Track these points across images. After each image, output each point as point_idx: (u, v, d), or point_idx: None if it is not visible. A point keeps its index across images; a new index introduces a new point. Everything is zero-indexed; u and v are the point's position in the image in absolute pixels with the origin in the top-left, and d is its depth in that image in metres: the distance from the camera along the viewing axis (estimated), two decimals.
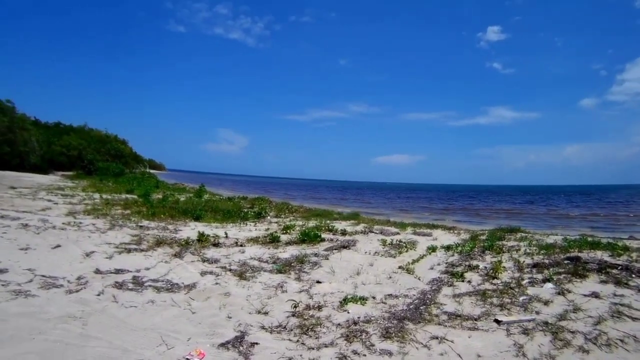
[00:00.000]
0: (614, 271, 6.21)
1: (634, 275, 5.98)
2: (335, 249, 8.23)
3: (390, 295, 5.69)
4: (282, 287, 5.77)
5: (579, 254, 7.27)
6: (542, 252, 7.84)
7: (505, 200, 51.98)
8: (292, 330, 4.29)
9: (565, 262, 6.89)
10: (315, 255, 7.68)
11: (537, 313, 4.75)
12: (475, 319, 4.69)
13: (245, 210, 15.05)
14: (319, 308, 4.98)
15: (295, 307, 4.94)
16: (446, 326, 4.51)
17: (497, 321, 4.51)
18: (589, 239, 8.94)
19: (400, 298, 5.58)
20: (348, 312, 4.87)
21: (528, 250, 8.09)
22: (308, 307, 4.98)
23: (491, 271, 6.55)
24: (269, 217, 14.15)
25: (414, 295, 5.69)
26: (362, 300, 5.32)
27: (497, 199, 57.75)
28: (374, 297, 5.56)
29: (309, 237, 9.10)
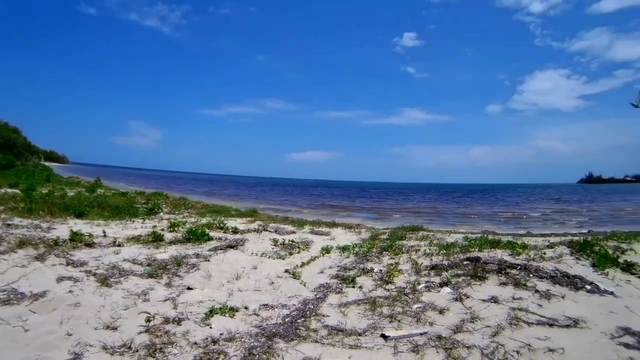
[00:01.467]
0: (514, 271, 6.57)
1: (531, 275, 6.39)
2: (220, 249, 8.28)
3: (266, 305, 5.44)
4: (145, 294, 5.52)
5: (479, 254, 7.63)
6: (442, 252, 8.17)
7: (415, 198, 56.77)
8: (137, 350, 3.96)
9: (465, 263, 7.15)
10: (197, 256, 7.61)
11: (431, 324, 4.71)
12: (360, 334, 4.49)
13: (138, 206, 15.25)
14: (179, 322, 4.71)
15: (148, 320, 4.55)
16: (324, 344, 4.24)
17: (384, 336, 4.35)
18: (490, 237, 9.52)
19: (276, 309, 5.31)
20: (211, 327, 4.62)
21: (428, 251, 8.36)
22: (166, 321, 4.69)
23: (386, 275, 6.51)
24: (161, 214, 14.25)
25: (294, 305, 5.47)
26: (232, 311, 5.11)
27: (407, 196, 63.04)
28: (246, 308, 5.27)
29: (195, 236, 9.13)
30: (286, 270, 7.08)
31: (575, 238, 9.71)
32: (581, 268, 6.85)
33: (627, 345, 4.11)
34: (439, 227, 16.36)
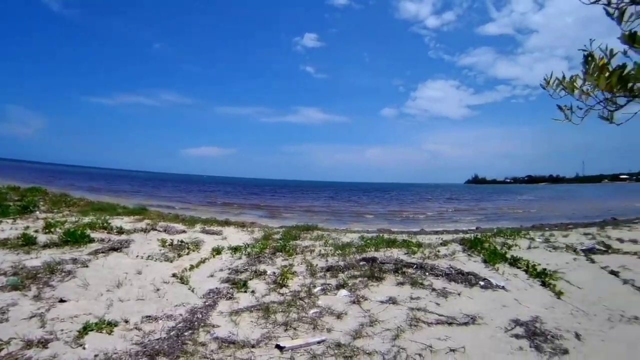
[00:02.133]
0: (410, 270, 6.80)
1: (427, 274, 6.66)
2: (102, 253, 7.75)
3: (149, 317, 5.02)
4: (4, 313, 4.80)
5: (376, 254, 7.82)
6: (337, 252, 8.24)
7: (312, 196, 57.95)
8: None
9: (362, 263, 7.24)
10: (74, 261, 6.96)
11: (329, 331, 4.62)
12: (253, 346, 4.26)
13: (9, 204, 13.60)
14: (45, 344, 4.12)
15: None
16: (214, 359, 3.93)
17: (280, 347, 4.15)
18: (385, 236, 9.81)
19: (161, 320, 4.92)
20: (84, 348, 4.14)
21: (323, 251, 8.38)
22: (28, 345, 4.07)
23: (280, 278, 6.34)
24: (37, 213, 12.79)
25: (181, 315, 5.11)
26: (110, 326, 4.65)
27: (304, 194, 64.25)
28: (126, 321, 4.82)
29: (73, 238, 8.42)
30: (174, 275, 6.70)
31: (467, 235, 10.46)
32: (474, 264, 7.31)
33: (517, 336, 4.50)
34: (334, 226, 16.70)
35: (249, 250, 8.52)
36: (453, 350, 4.08)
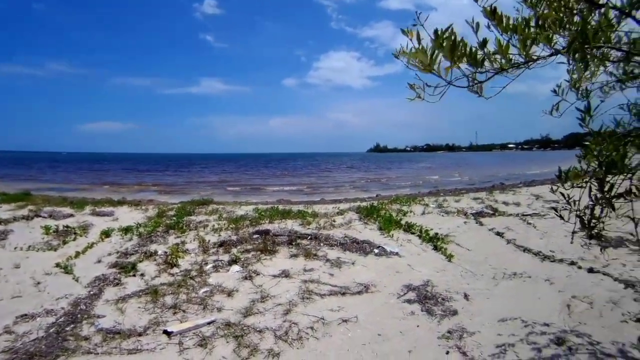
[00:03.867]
0: (304, 242, 6.94)
1: (322, 244, 6.83)
2: None
3: (25, 315, 4.61)
4: None
5: (269, 227, 7.86)
6: (231, 226, 8.09)
7: (214, 169, 56.81)
8: None
9: (255, 237, 7.24)
10: None
11: (219, 310, 4.59)
12: (140, 334, 4.11)
13: None
14: None
15: None
16: (98, 354, 3.75)
17: (167, 332, 4.02)
18: (281, 207, 9.82)
19: (39, 318, 4.56)
20: None
21: (217, 226, 8.24)
22: None
23: (170, 257, 6.13)
24: None
25: (63, 308, 4.80)
26: None
27: (206, 167, 63.01)
28: None
29: None
30: (57, 264, 6.26)
31: (364, 203, 10.76)
32: (369, 232, 7.58)
33: (409, 301, 4.80)
34: (234, 199, 16.48)
35: (140, 230, 8.20)
36: (345, 321, 4.25)
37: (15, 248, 7.04)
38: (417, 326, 4.21)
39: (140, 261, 6.28)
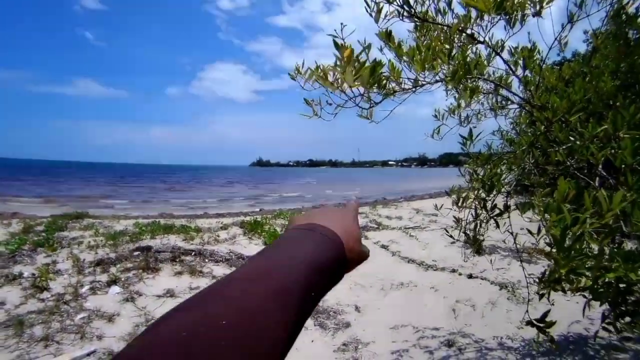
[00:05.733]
0: (189, 258, 6.66)
1: (207, 260, 6.58)
2: None
3: None
4: None
5: (151, 242, 7.45)
6: (109, 243, 7.53)
7: (87, 179, 53.22)
8: None
9: (136, 254, 6.82)
10: None
11: (100, 338, 4.24)
12: None
13: None
14: None
15: None
16: None
17: None
18: (163, 222, 9.40)
19: None
20: None
21: (93, 242, 7.63)
22: None
23: (39, 280, 5.55)
24: None
25: None
26: None
27: (79, 177, 58.86)
28: None
29: None
30: None
31: (248, 218, 10.66)
32: (255, 248, 7.57)
33: None
34: (110, 212, 15.46)
35: (1, 248, 7.27)
36: None
37: None
38: (312, 341, 4.24)
39: (1, 286, 5.58)
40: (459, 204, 2.38)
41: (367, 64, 1.79)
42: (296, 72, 2.15)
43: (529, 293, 2.33)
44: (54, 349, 4.02)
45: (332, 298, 5.35)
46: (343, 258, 0.58)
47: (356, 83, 1.86)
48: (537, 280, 1.59)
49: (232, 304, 0.38)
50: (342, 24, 1.82)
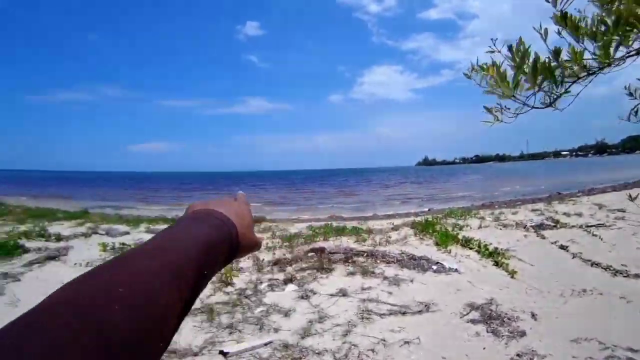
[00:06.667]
0: (361, 259, 6.59)
1: (379, 261, 6.46)
2: (37, 263, 7.11)
3: None
4: None
5: (324, 244, 7.58)
6: (285, 244, 7.87)
7: (262, 187, 57.72)
8: None
9: (310, 254, 6.98)
10: (4, 275, 6.27)
11: (276, 331, 4.35)
12: (196, 354, 3.94)
13: None
14: None
15: None
16: None
17: (223, 353, 3.84)
18: (335, 224, 9.61)
19: None
20: None
21: (270, 244, 8.05)
22: None
23: (225, 275, 5.99)
24: None
25: None
26: None
27: (255, 185, 64.11)
28: None
29: (4, 249, 7.70)
30: None
31: (418, 218, 10.37)
32: (426, 248, 7.21)
33: (473, 321, 4.40)
34: (284, 215, 16.45)
35: None
36: (407, 342, 3.91)
37: (74, 264, 7.12)
38: (484, 348, 3.83)
39: None
40: None
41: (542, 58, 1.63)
42: (472, 70, 2.07)
43: None
44: (237, 336, 4.27)
45: (506, 302, 4.84)
46: (236, 241, 0.62)
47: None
48: None
49: (128, 274, 0.42)
50: (492, 39, 1.70)
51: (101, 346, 0.33)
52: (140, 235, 9.88)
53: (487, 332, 4.12)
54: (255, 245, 0.72)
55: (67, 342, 0.32)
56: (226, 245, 0.59)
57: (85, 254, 7.77)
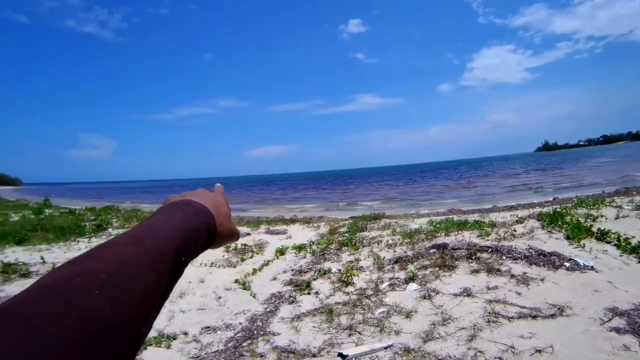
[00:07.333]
0: (485, 255, 6.32)
1: (504, 258, 6.13)
2: None
3: (208, 327, 4.97)
4: None
5: (446, 240, 7.37)
6: (406, 241, 7.80)
7: (378, 182, 57.90)
8: None
9: (432, 251, 6.81)
10: None
11: (397, 333, 4.28)
12: (314, 355, 4.02)
13: (85, 224, 14.43)
14: None
15: None
16: None
17: (342, 356, 3.85)
18: (455, 218, 9.28)
19: (220, 331, 4.88)
20: None
21: (391, 241, 8.02)
22: None
23: (345, 275, 6.03)
24: (109, 230, 13.44)
25: (240, 324, 5.03)
26: (169, 339, 4.63)
27: (368, 181, 64.69)
28: (185, 334, 4.80)
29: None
30: (236, 281, 6.66)
31: (544, 209, 9.61)
32: (555, 242, 6.64)
33: (618, 330, 3.80)
34: (402, 211, 16.29)
35: (313, 247, 8.30)
36: (539, 351, 3.58)
37: (200, 264, 7.62)
38: None
39: (315, 279, 6.28)
40: None
41: None
42: None
43: None
44: (356, 338, 4.26)
45: None
46: (213, 229, 0.66)
47: None
48: None
49: (108, 260, 0.44)
50: None
51: (84, 330, 0.35)
52: (261, 236, 10.34)
53: None
54: (232, 235, 0.74)
55: (49, 326, 0.33)
56: (203, 233, 0.62)
57: (210, 254, 8.20)
